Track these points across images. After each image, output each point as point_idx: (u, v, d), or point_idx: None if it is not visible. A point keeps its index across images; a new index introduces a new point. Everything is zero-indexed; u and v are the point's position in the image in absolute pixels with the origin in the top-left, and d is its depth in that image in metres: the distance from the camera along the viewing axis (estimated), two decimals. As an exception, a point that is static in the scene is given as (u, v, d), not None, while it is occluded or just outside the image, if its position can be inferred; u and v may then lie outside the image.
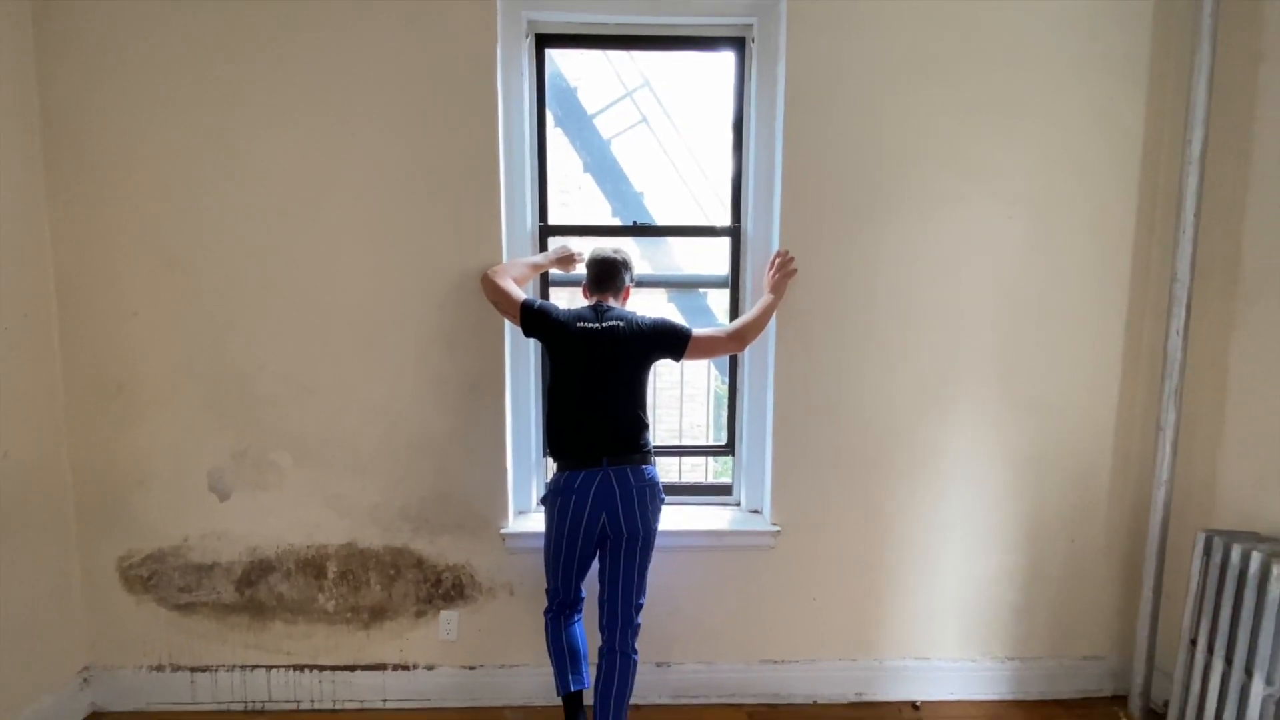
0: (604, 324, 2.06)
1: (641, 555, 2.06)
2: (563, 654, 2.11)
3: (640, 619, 2.09)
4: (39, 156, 2.22)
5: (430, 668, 2.45)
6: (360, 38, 2.20)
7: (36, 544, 2.22)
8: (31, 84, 2.18)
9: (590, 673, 2.15)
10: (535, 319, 2.08)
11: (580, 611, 2.18)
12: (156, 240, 2.27)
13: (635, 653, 2.08)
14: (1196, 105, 2.17)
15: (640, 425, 2.07)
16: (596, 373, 2.04)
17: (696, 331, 2.13)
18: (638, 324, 2.08)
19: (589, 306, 2.13)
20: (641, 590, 2.08)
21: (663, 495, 2.10)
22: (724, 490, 2.65)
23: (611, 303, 2.15)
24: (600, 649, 2.08)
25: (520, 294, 2.14)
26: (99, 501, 2.36)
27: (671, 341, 2.09)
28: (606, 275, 2.17)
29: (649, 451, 2.09)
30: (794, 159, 2.30)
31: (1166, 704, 2.27)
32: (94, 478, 2.35)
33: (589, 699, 2.11)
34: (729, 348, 2.23)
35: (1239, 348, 2.22)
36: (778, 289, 2.23)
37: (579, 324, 2.05)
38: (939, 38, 2.26)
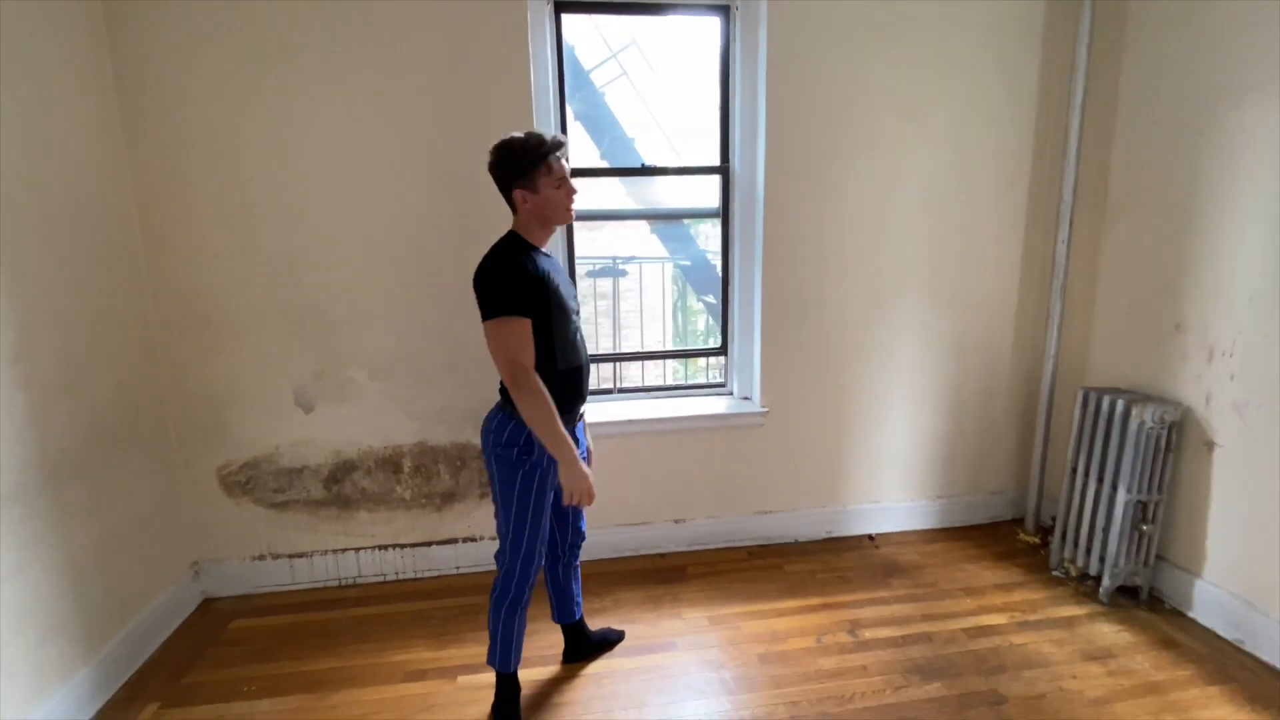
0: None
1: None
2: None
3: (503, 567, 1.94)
4: (117, 120, 2.33)
5: (494, 538, 2.79)
6: (412, 5, 2.40)
7: (145, 460, 2.42)
8: (105, 52, 2.28)
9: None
10: None
11: None
12: (232, 191, 2.44)
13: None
14: (1079, 62, 2.61)
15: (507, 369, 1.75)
16: None
17: (489, 324, 1.75)
18: (479, 268, 1.79)
19: None
20: (503, 536, 1.92)
21: (503, 440, 1.84)
22: (716, 386, 3.11)
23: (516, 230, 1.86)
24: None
25: None
26: (198, 420, 2.57)
27: (479, 304, 1.78)
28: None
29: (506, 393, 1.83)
30: (776, 108, 2.63)
31: (1053, 520, 2.86)
32: (192, 399, 2.56)
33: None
34: (501, 364, 1.76)
35: (1106, 253, 2.76)
36: (568, 474, 1.80)
37: None
38: (890, 7, 2.62)
